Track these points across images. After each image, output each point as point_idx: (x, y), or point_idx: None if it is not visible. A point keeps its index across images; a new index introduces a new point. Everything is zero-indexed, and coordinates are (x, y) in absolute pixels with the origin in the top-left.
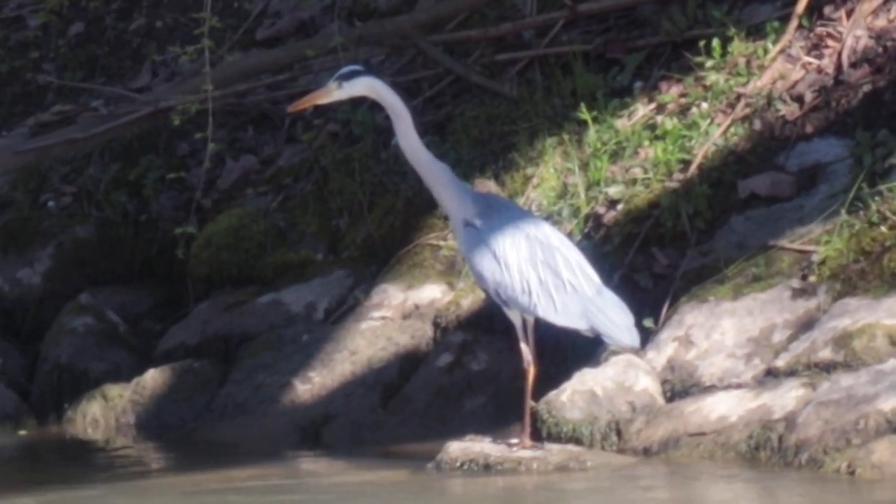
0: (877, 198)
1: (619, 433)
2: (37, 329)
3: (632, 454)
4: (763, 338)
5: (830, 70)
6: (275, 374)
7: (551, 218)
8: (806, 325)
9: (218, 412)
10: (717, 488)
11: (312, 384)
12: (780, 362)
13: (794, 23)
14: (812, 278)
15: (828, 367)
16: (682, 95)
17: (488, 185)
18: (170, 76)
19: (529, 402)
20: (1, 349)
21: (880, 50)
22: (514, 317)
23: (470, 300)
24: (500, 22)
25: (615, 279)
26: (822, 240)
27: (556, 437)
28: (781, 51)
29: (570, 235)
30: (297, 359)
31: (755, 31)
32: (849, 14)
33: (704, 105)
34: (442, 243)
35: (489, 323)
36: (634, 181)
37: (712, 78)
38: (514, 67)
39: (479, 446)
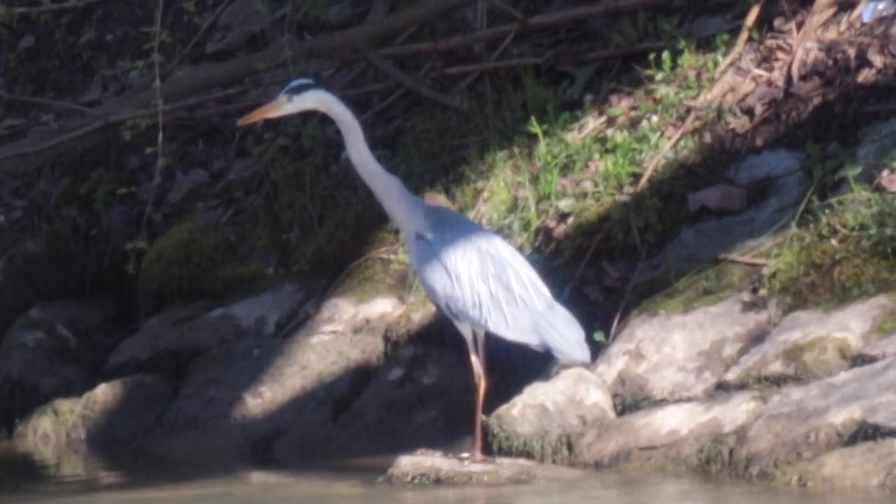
0: (827, 211)
1: (570, 447)
2: None
3: (583, 468)
4: (714, 351)
5: (780, 83)
6: (225, 388)
7: (502, 231)
8: (756, 338)
9: (169, 427)
10: (667, 502)
11: (263, 399)
12: (731, 376)
13: (744, 35)
14: (762, 291)
15: (778, 381)
16: (633, 108)
17: (439, 199)
18: (120, 90)
19: (480, 416)
20: None
21: (830, 63)
22: (465, 330)
23: (421, 314)
24: (451, 35)
25: (566, 292)
26: (772, 253)
27: (508, 451)
28: (731, 63)
29: (520, 249)
30: (248, 373)
31: (705, 44)
32: (799, 26)
33: (655, 118)
34: (392, 257)
35: (440, 337)
36: (585, 194)
37: (662, 91)
38: (464, 81)
39: (430, 460)
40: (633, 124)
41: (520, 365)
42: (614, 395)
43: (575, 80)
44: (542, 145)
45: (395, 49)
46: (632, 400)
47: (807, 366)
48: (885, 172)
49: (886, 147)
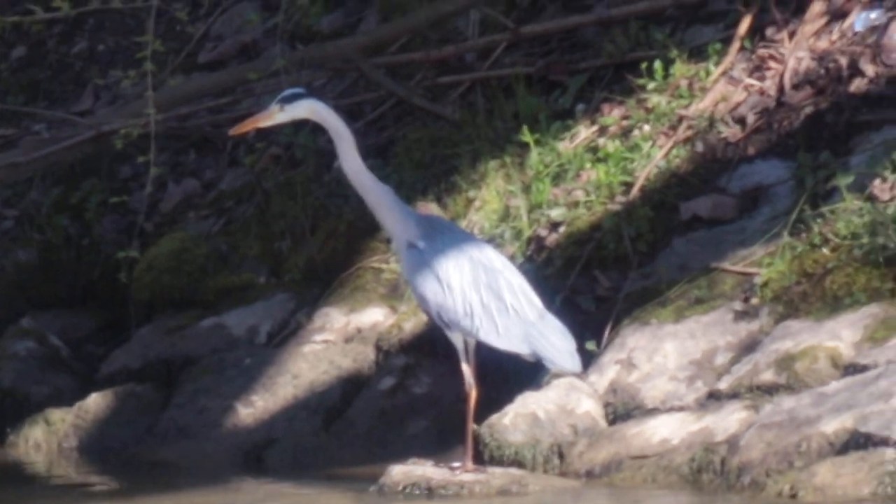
0: (819, 220)
1: (561, 456)
2: None
3: (574, 477)
4: (705, 360)
5: (772, 92)
6: (217, 397)
7: (493, 241)
8: (748, 347)
9: (160, 436)
10: None
11: (255, 408)
12: (723, 385)
13: (736, 45)
14: (754, 300)
15: (770, 390)
16: (625, 118)
17: (430, 208)
18: (112, 100)
19: (472, 426)
20: None
21: (822, 72)
22: (457, 340)
23: (412, 323)
24: (443, 44)
25: (557, 301)
26: (764, 262)
27: (499, 461)
28: (723, 73)
29: (512, 258)
30: (240, 382)
31: (697, 53)
32: (791, 36)
33: (647, 127)
34: (384, 266)
35: (431, 346)
36: (576, 204)
37: (654, 100)
38: (456, 90)
39: (421, 470)
40: (625, 133)
41: (511, 374)
42: (606, 405)
43: (567, 89)
44: (533, 154)
45: (386, 58)
46: (623, 409)
47: (798, 375)
48: (877, 182)
49: (878, 156)
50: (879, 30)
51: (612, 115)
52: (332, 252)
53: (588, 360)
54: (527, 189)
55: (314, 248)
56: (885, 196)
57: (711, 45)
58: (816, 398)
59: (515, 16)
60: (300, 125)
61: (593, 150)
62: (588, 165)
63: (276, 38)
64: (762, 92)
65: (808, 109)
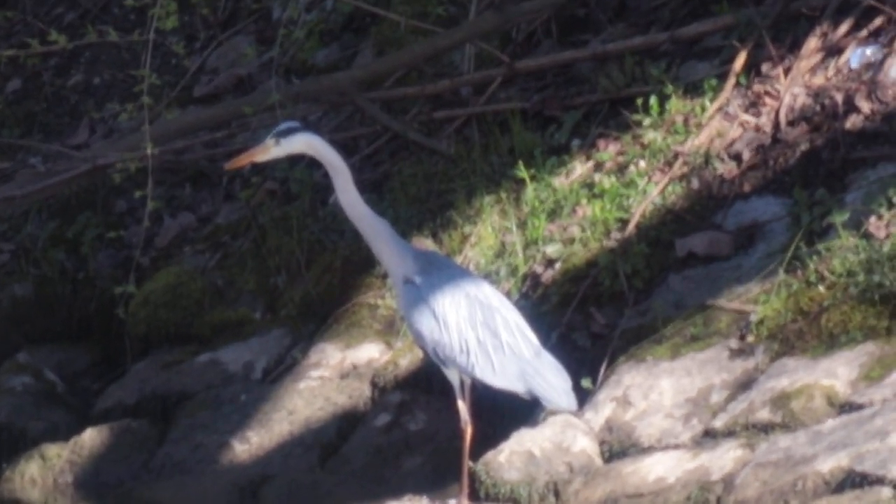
0: (815, 257)
1: (556, 494)
2: None
3: None
4: (701, 398)
5: (768, 128)
6: (213, 433)
7: (489, 277)
8: (744, 385)
9: (156, 472)
10: None
11: (250, 444)
12: (719, 423)
13: (731, 80)
14: (750, 338)
15: (766, 428)
16: (620, 153)
17: (426, 244)
18: (108, 133)
19: (467, 463)
20: None
21: (818, 108)
22: (452, 376)
23: (408, 360)
24: (438, 79)
25: (553, 338)
26: (760, 299)
27: (495, 498)
28: (719, 109)
29: (507, 294)
30: (235, 418)
31: (693, 89)
32: (786, 72)
33: (642, 163)
34: (380, 302)
35: (427, 383)
36: (572, 240)
37: (650, 136)
38: (451, 125)
39: None
40: (621, 169)
41: (507, 411)
42: (601, 442)
43: (562, 124)
44: (529, 190)
45: (382, 93)
46: (619, 447)
47: (794, 413)
48: (873, 219)
49: (874, 193)
50: (875, 66)
51: (608, 150)
52: (327, 287)
53: (584, 397)
54: (522, 225)
55: (310, 284)
56: (881, 233)
57: (707, 80)
58: (812, 437)
59: (511, 51)
60: (296, 160)
61: (589, 185)
62: (584, 201)
63: (271, 72)
64: (758, 128)
65: (804, 146)
